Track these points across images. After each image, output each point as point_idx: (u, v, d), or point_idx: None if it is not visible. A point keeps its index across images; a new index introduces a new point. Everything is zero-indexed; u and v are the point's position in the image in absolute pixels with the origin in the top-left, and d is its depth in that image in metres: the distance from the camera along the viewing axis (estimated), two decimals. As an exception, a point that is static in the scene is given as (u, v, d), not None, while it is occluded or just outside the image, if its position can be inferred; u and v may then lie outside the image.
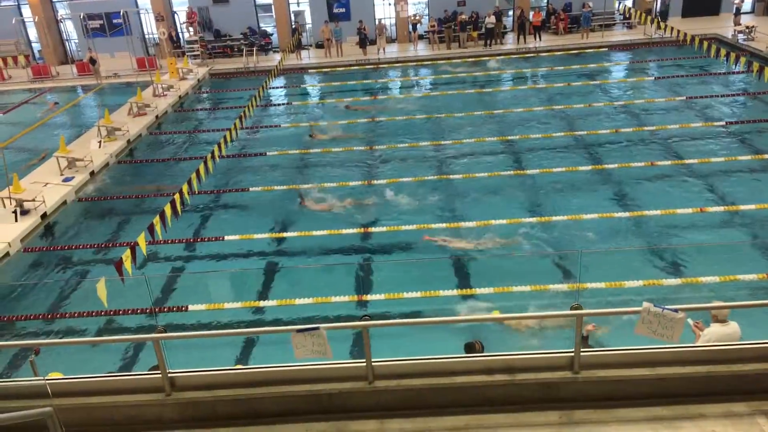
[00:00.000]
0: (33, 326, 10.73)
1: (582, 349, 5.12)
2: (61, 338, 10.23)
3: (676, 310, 4.85)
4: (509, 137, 17.46)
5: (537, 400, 5.13)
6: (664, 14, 27.52)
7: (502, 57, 26.68)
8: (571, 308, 5.48)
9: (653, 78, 22.41)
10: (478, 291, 10.45)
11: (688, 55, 23.55)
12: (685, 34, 20.19)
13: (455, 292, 10.53)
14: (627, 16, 28.19)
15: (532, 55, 26.70)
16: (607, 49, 26.61)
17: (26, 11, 30.52)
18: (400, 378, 5.21)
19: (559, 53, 26.51)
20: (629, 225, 12.45)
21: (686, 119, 17.78)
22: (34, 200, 13.98)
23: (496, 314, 9.31)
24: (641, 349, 5.21)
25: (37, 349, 6.57)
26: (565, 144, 16.79)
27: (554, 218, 12.74)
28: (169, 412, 5.25)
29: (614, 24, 29.57)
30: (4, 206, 13.96)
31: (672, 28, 21.38)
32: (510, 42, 28.52)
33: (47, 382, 5.05)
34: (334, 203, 14.09)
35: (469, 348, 7.26)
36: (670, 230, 12.14)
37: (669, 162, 15.10)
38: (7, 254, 12.59)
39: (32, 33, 31.31)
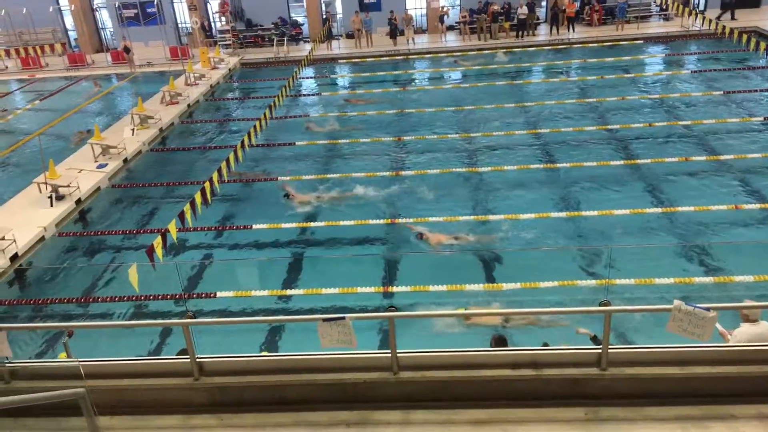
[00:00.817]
0: (67, 309, 11.00)
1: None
2: (94, 322, 10.47)
3: (708, 309, 4.76)
4: (540, 130, 17.25)
5: (563, 395, 5.09)
6: (729, 5, 26.44)
7: (533, 48, 26.36)
8: (600, 304, 5.40)
9: (690, 71, 21.88)
10: (505, 286, 10.38)
11: (726, 48, 22.92)
12: (724, 27, 19.64)
13: (481, 286, 10.48)
14: (664, 7, 27.54)
15: (565, 46, 26.29)
16: (642, 41, 26.03)
17: (63, 0, 31.10)
18: (425, 369, 5.21)
19: (593, 45, 26.03)
20: (661, 221, 12.22)
21: (723, 114, 17.33)
22: (69, 186, 14.30)
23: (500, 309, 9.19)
24: (671, 347, 5.12)
25: (70, 332, 6.71)
26: (598, 137, 16.52)
27: (584, 213, 12.57)
28: (197, 396, 5.34)
29: (650, 15, 28.91)
30: (41, 191, 14.32)
31: (711, 21, 20.83)
32: (543, 33, 28.11)
33: (80, 363, 5.18)
34: (321, 195, 14.11)
35: (497, 341, 7.21)
36: (704, 227, 11.88)
37: (704, 157, 14.75)
38: (43, 238, 12.92)
39: (68, 21, 31.93)
